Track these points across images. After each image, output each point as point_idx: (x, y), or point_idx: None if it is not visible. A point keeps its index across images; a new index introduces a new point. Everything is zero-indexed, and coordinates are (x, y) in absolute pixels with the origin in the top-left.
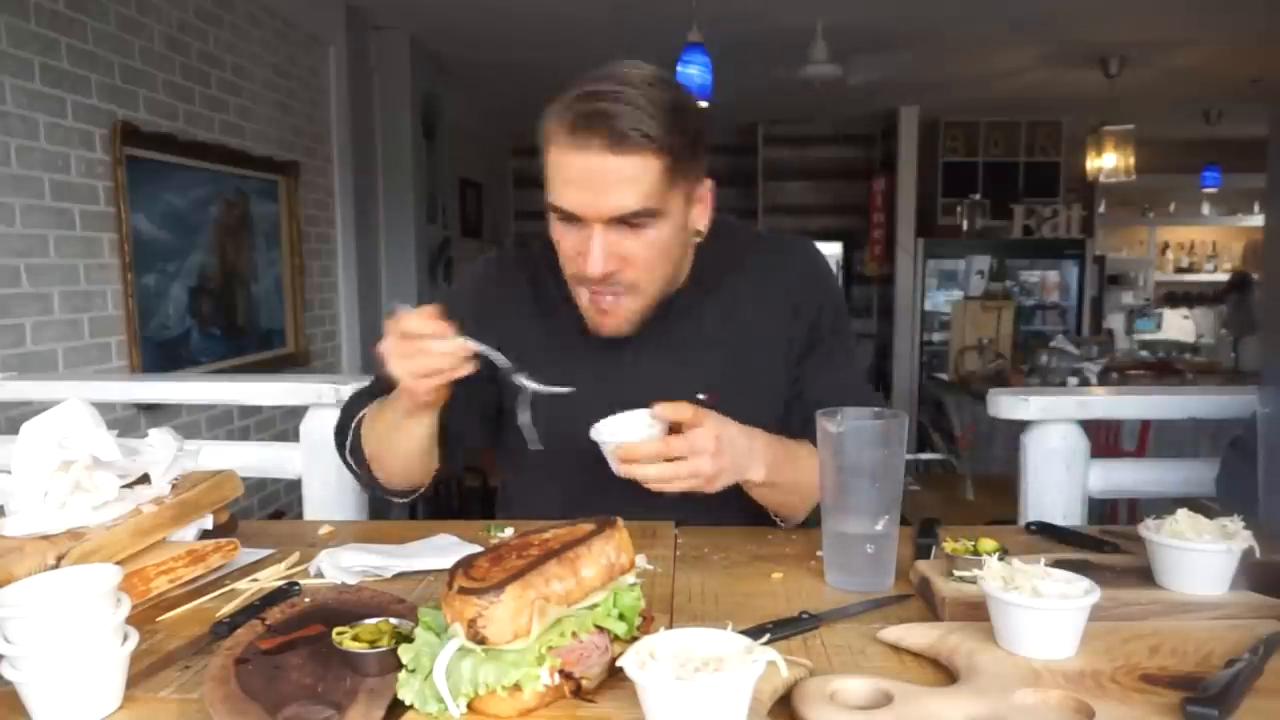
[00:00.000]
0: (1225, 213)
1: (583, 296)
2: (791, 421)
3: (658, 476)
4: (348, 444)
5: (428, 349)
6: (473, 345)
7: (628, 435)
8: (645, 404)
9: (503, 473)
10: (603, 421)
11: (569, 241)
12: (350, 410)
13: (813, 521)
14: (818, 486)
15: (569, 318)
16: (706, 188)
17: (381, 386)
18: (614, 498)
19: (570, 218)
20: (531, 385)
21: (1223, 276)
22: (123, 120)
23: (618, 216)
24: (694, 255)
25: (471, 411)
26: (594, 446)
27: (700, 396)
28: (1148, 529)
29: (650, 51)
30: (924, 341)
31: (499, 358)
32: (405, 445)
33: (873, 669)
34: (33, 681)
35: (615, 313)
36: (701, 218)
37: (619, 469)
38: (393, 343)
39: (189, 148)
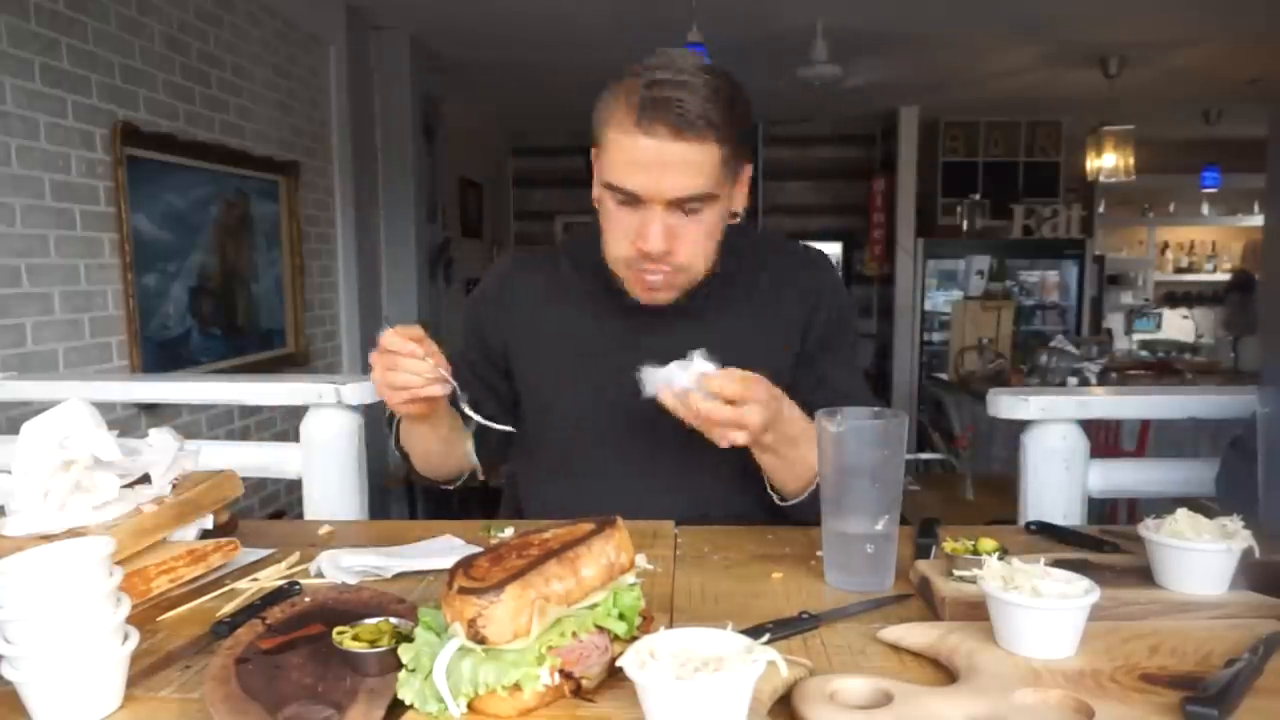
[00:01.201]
0: (1225, 213)
1: (630, 275)
2: None
3: (708, 412)
4: (394, 437)
5: (399, 365)
6: (433, 369)
7: (680, 380)
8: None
9: (517, 464)
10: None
11: (625, 223)
12: None
13: (810, 516)
14: (815, 468)
15: (588, 308)
16: (747, 171)
17: None
18: (624, 491)
19: (630, 199)
20: (476, 417)
21: (1223, 276)
22: (123, 120)
23: (679, 199)
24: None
25: (497, 409)
26: (609, 440)
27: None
28: (1147, 529)
29: (650, 51)
30: (924, 341)
31: (454, 385)
32: (421, 445)
33: (873, 669)
34: (33, 681)
35: (664, 287)
36: (741, 199)
37: (669, 400)
38: (374, 355)
39: (189, 148)
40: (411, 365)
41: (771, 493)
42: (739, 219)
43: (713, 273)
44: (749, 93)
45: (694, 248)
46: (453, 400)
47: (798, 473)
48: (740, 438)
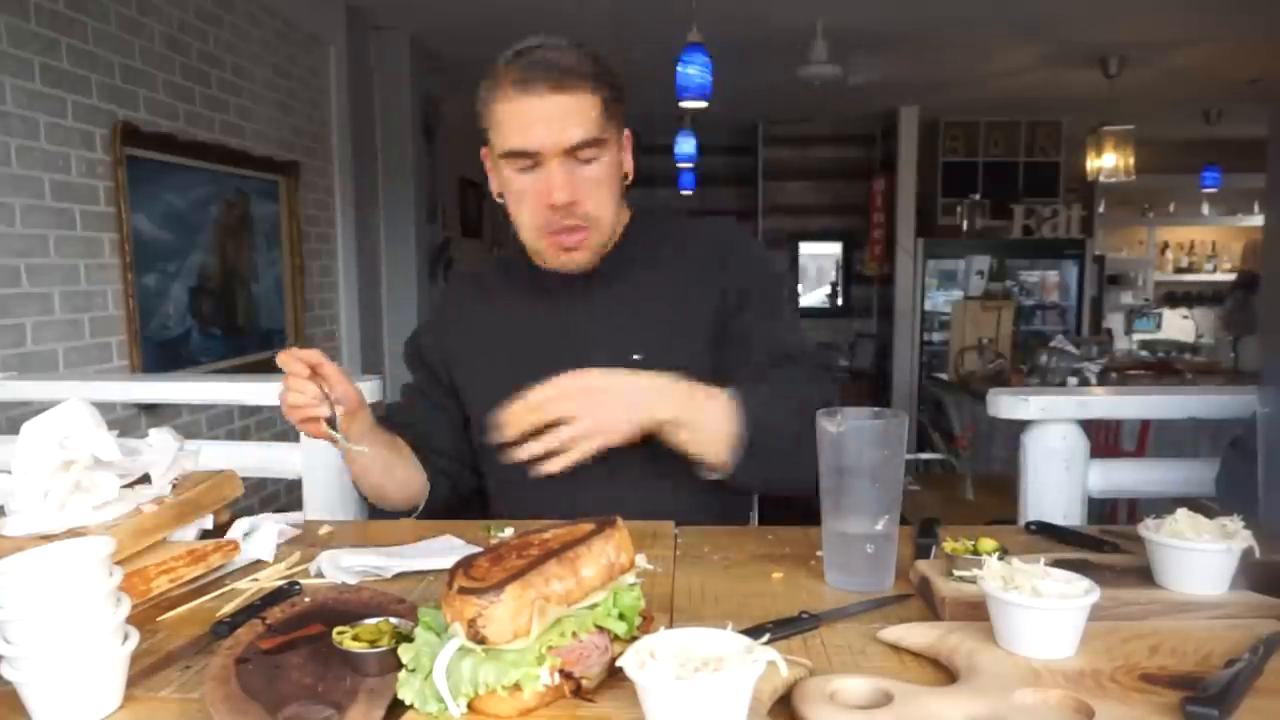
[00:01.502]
0: (1225, 213)
1: (545, 243)
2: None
3: (548, 445)
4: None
5: (289, 385)
6: (316, 392)
7: None
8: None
9: (483, 480)
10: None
11: (528, 186)
12: None
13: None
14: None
15: (515, 308)
16: (627, 135)
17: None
18: (594, 491)
19: (527, 160)
20: (341, 441)
21: (1223, 276)
22: (123, 120)
23: (571, 147)
24: (627, 225)
25: (449, 427)
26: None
27: (635, 357)
28: (1147, 529)
29: (650, 51)
30: (924, 341)
31: (328, 410)
32: (357, 470)
33: (873, 669)
34: (33, 681)
35: (579, 247)
36: (629, 162)
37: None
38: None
39: (189, 148)
40: (297, 385)
41: (706, 473)
42: (629, 181)
43: (619, 242)
44: (749, 93)
45: (597, 196)
46: (331, 424)
47: (714, 448)
48: (608, 433)
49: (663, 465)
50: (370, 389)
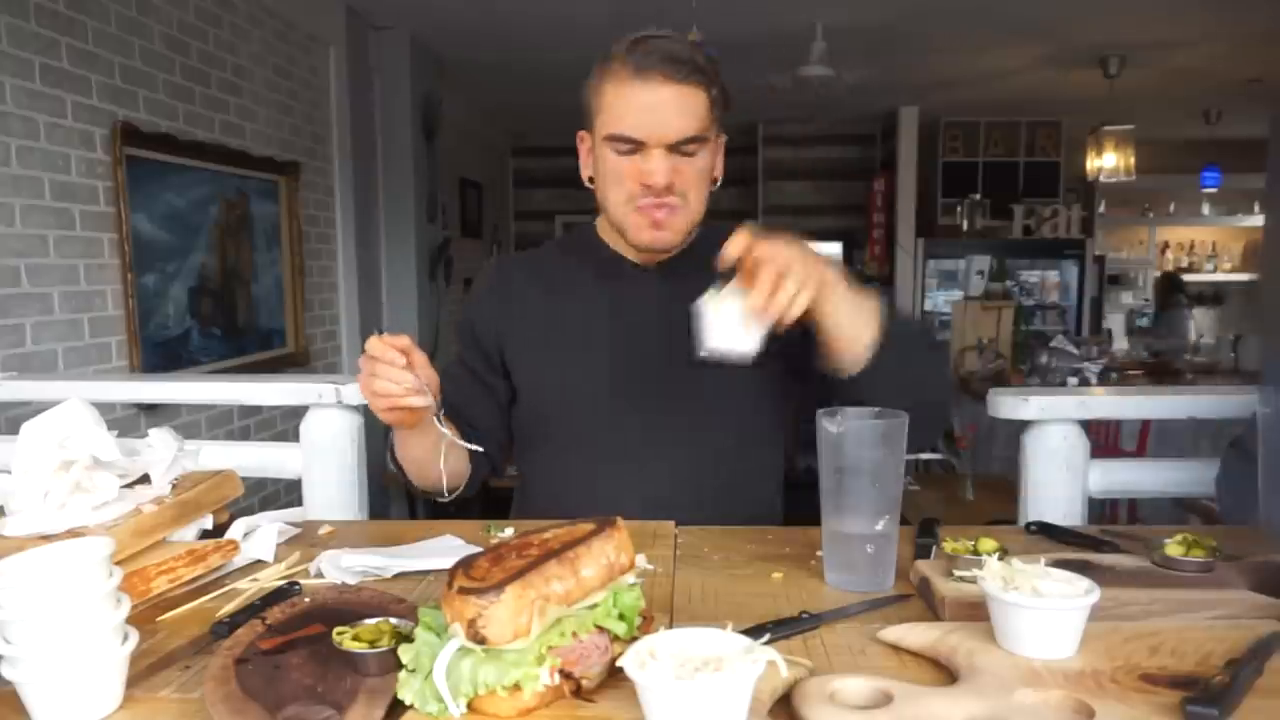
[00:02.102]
0: (1225, 213)
1: (635, 218)
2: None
3: (772, 299)
4: (389, 449)
5: (380, 372)
6: (414, 379)
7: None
8: (651, 368)
9: (522, 465)
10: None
11: (629, 169)
12: None
13: (867, 392)
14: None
15: (574, 289)
16: (723, 140)
17: None
18: (631, 457)
19: (633, 146)
20: (447, 434)
21: (1223, 276)
22: (123, 120)
23: (677, 140)
24: (699, 228)
25: (496, 408)
26: (609, 409)
27: (702, 354)
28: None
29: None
30: None
31: (430, 400)
32: (410, 454)
33: (873, 669)
34: (33, 681)
35: (668, 225)
36: (719, 166)
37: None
38: (361, 359)
39: (189, 148)
40: (391, 374)
41: (831, 370)
42: (717, 186)
43: (691, 242)
44: (749, 93)
45: (693, 184)
46: (504, 369)
47: (859, 342)
48: (800, 292)
49: (708, 420)
50: None
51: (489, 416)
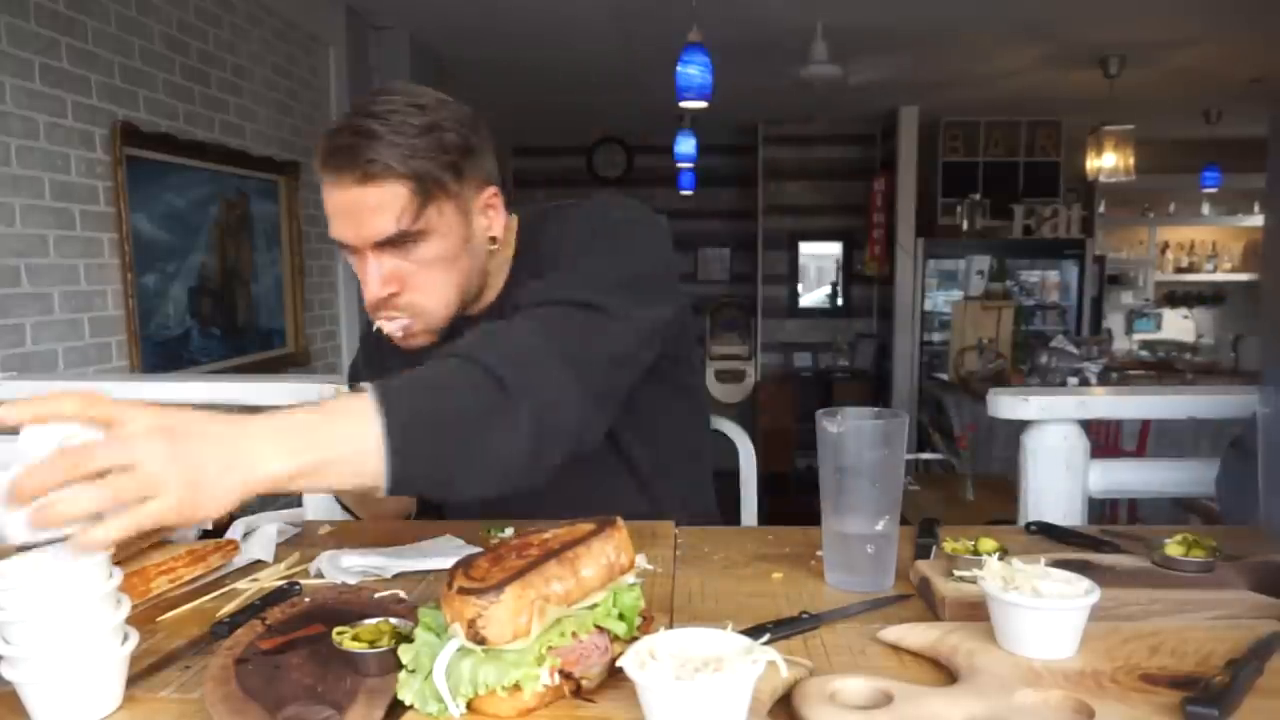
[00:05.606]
0: (1225, 213)
1: (381, 323)
2: None
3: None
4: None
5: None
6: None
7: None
8: None
9: None
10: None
11: (357, 271)
12: None
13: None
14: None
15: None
16: (487, 196)
17: None
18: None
19: (348, 248)
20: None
21: (1223, 277)
22: (123, 120)
23: (380, 242)
24: (516, 243)
25: None
26: None
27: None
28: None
29: (650, 51)
30: (924, 341)
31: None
32: (346, 499)
33: (873, 669)
34: (33, 682)
35: (410, 334)
36: (494, 226)
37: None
38: None
39: (189, 148)
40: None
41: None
42: (497, 245)
43: (508, 276)
44: (749, 93)
45: (424, 286)
46: None
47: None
48: (160, 502)
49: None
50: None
51: None
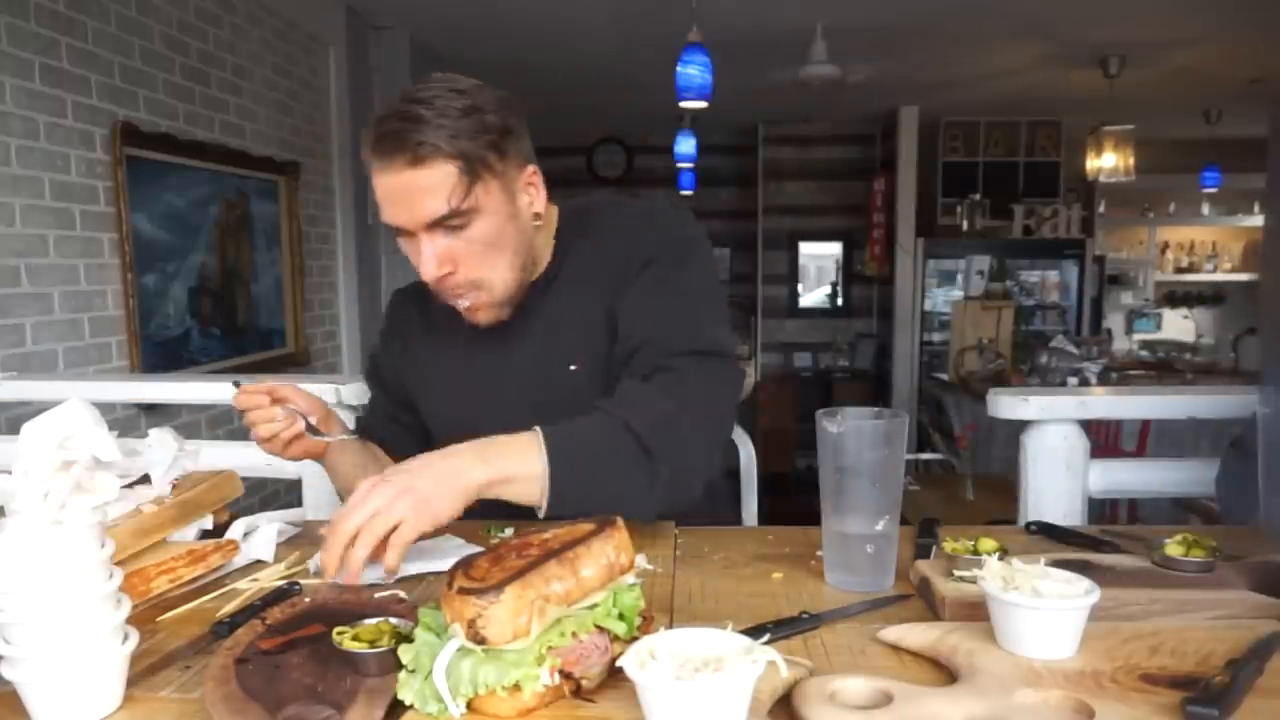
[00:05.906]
0: (1225, 213)
1: (448, 301)
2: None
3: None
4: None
5: (256, 420)
6: (286, 412)
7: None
8: (525, 388)
9: None
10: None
11: (411, 254)
12: None
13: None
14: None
15: (450, 325)
16: (528, 175)
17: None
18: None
19: (402, 232)
20: (329, 436)
21: (1223, 277)
22: (123, 120)
23: (432, 222)
24: (556, 233)
25: (413, 441)
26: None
27: (571, 368)
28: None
29: (650, 52)
30: (924, 341)
31: (303, 423)
32: (343, 484)
33: (873, 669)
34: (33, 682)
35: (475, 308)
36: (537, 202)
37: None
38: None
39: (189, 148)
40: (263, 417)
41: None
42: (540, 220)
43: (544, 272)
44: (749, 93)
45: (478, 263)
46: (313, 430)
47: (523, 478)
48: (403, 511)
49: None
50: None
51: (414, 449)
